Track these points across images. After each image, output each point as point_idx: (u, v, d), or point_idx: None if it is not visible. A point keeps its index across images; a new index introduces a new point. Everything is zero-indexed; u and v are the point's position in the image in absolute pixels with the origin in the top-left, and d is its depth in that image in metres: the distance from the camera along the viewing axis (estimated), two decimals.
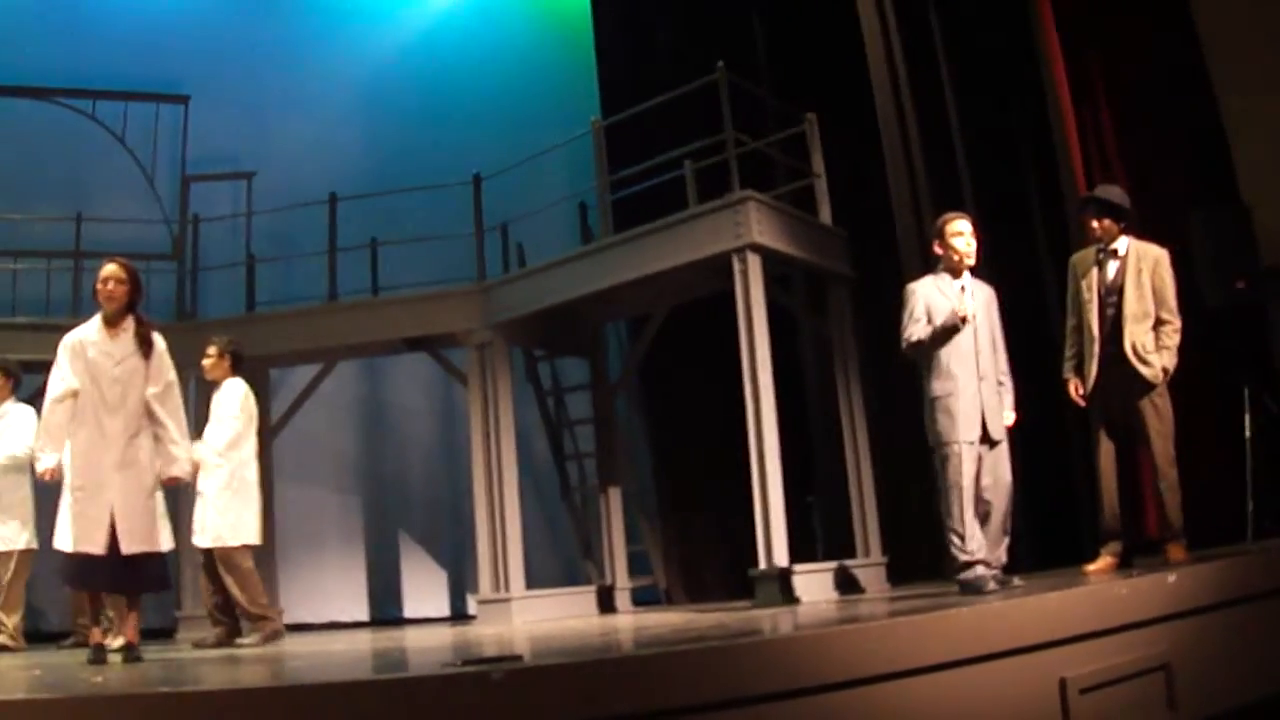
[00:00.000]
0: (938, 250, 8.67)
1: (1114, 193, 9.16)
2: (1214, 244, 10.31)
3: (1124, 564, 8.74)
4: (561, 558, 16.06)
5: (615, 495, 14.32)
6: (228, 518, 10.70)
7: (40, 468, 8.40)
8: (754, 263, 11.36)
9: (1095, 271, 9.05)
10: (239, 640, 10.65)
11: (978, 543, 8.23)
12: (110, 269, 8.56)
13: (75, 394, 8.35)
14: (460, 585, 16.63)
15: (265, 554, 13.44)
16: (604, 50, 16.88)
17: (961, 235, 8.55)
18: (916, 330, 8.44)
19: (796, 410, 13.35)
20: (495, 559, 13.16)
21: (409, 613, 16.62)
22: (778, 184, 12.89)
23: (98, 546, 8.16)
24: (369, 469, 17.21)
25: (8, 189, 15.08)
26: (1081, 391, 9.09)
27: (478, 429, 13.53)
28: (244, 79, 16.82)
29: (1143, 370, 8.71)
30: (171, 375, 8.71)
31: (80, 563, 8.23)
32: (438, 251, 14.42)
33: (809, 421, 14.09)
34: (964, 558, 8.18)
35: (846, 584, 11.60)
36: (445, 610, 16.76)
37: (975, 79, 12.46)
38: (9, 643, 11.05)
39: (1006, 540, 8.47)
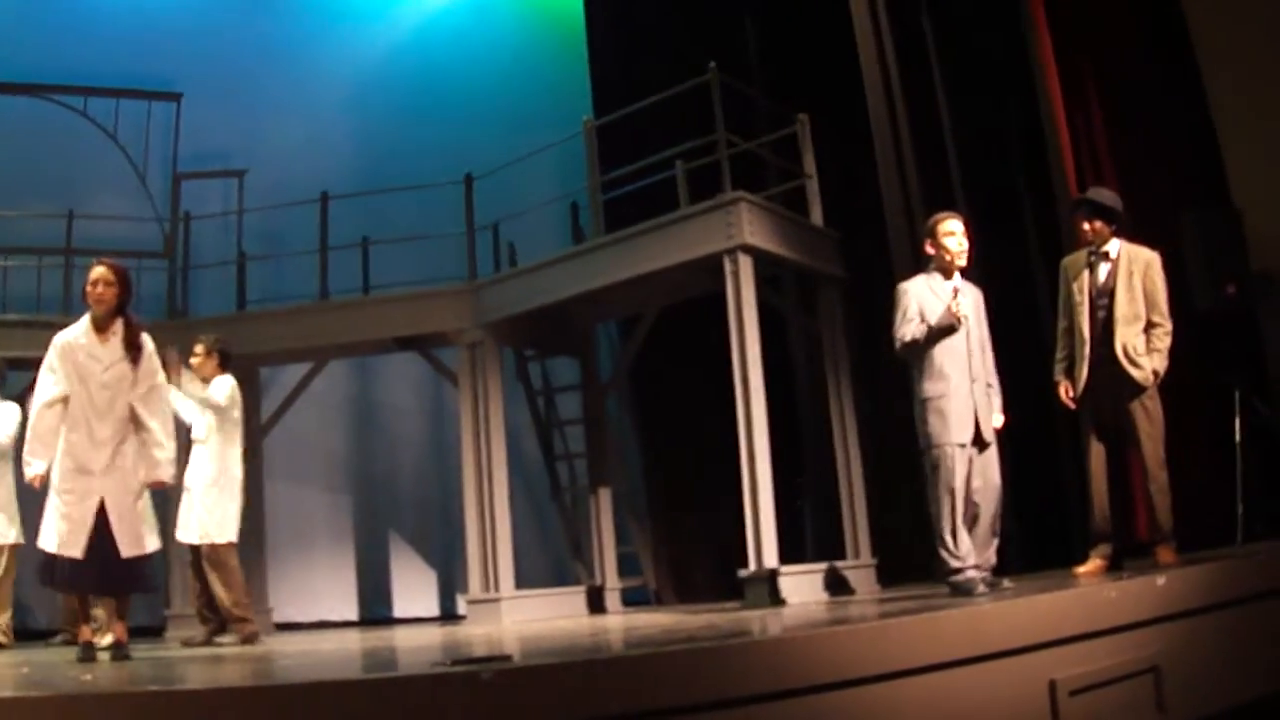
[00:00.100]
0: (929, 250, 8.67)
1: (1106, 195, 9.18)
2: (1205, 247, 10.31)
3: (1114, 566, 8.75)
4: (551, 558, 16.06)
5: (605, 496, 14.33)
6: (215, 515, 10.72)
7: (29, 474, 8.36)
8: (745, 263, 11.36)
9: (1086, 274, 9.07)
10: (218, 639, 10.64)
11: (967, 545, 8.24)
12: (99, 271, 8.53)
13: (66, 399, 8.33)
14: (450, 585, 16.61)
15: (255, 553, 13.49)
16: (596, 50, 16.88)
17: (954, 235, 8.55)
18: (910, 330, 8.43)
19: (787, 411, 13.34)
20: (485, 559, 13.16)
21: (398, 612, 16.61)
22: (769, 185, 12.89)
23: (78, 551, 8.17)
24: (359, 468, 17.20)
25: None
26: (1072, 394, 9.11)
27: (468, 429, 13.53)
28: (236, 77, 16.79)
29: (1133, 373, 8.72)
30: (159, 378, 8.72)
31: (60, 565, 8.24)
32: (429, 251, 14.43)
33: (800, 422, 14.07)
34: (954, 563, 8.18)
35: (836, 585, 11.61)
36: (435, 610, 16.75)
37: (967, 80, 12.47)
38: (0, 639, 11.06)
39: (996, 542, 8.47)
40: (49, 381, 8.36)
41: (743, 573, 11.02)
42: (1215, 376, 10.30)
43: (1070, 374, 9.13)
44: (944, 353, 8.37)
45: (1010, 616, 6.00)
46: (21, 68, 15.72)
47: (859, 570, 12.02)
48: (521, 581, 13.45)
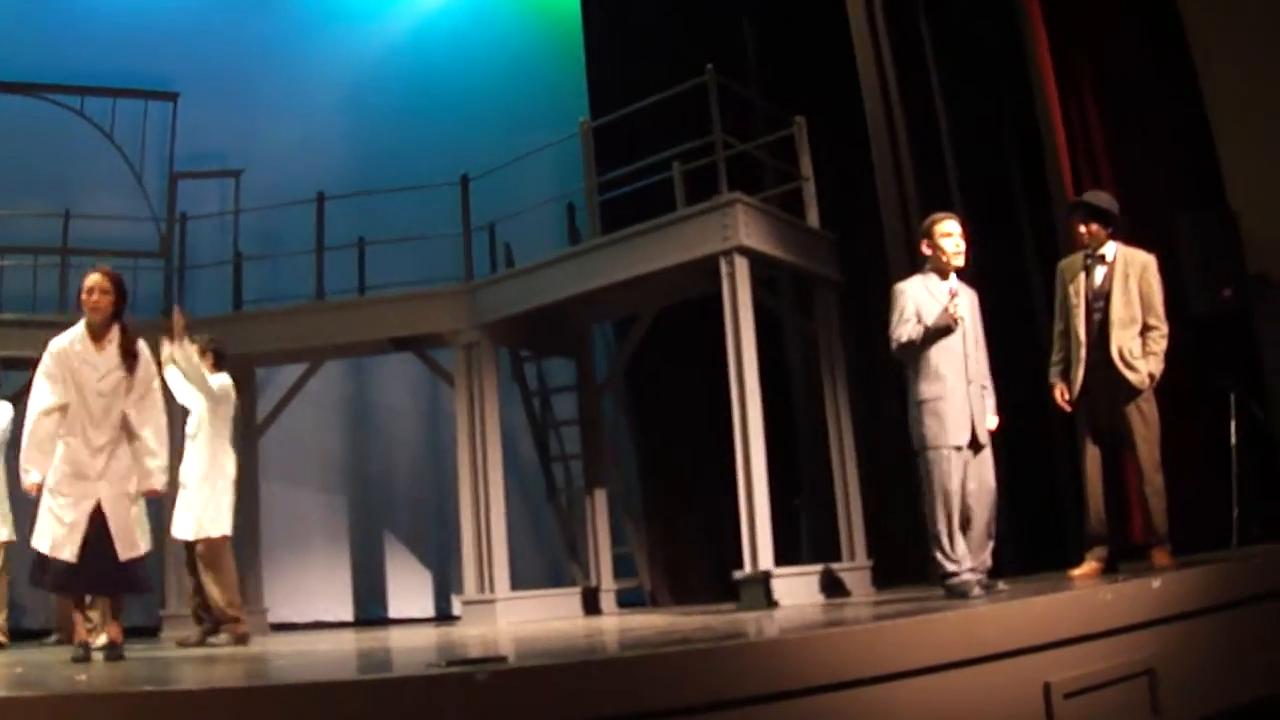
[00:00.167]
0: (926, 250, 8.65)
1: (1102, 198, 9.17)
2: (1201, 250, 10.32)
3: (1109, 569, 8.75)
4: (546, 559, 16.07)
5: (601, 497, 14.33)
6: (209, 509, 10.73)
7: (26, 481, 8.35)
8: (741, 265, 11.36)
9: (1083, 276, 9.07)
10: (211, 640, 10.64)
11: (963, 548, 8.23)
12: (94, 279, 8.51)
13: (63, 408, 8.32)
14: (445, 586, 16.62)
15: (250, 553, 13.49)
16: (593, 51, 16.87)
17: (950, 236, 8.53)
18: (906, 330, 8.40)
19: (783, 413, 13.35)
20: (480, 560, 13.16)
21: (393, 613, 16.61)
22: (766, 186, 12.89)
23: (71, 554, 8.18)
24: (355, 469, 17.20)
25: None
26: (1068, 396, 9.10)
27: (464, 429, 13.53)
28: (233, 77, 16.79)
29: (1129, 376, 8.72)
30: (154, 385, 8.70)
31: (52, 566, 8.25)
32: (425, 251, 14.44)
33: (795, 424, 14.07)
34: (950, 566, 8.16)
35: (832, 587, 11.61)
36: (430, 611, 16.75)
37: (964, 82, 12.47)
38: None
39: (991, 545, 8.45)
40: (45, 389, 8.34)
41: (738, 574, 11.02)
42: (1211, 379, 10.31)
43: (1066, 377, 9.12)
44: (940, 354, 8.35)
45: (1005, 619, 6.00)
46: (18, 67, 15.74)
47: (854, 572, 12.02)
48: (517, 583, 13.46)
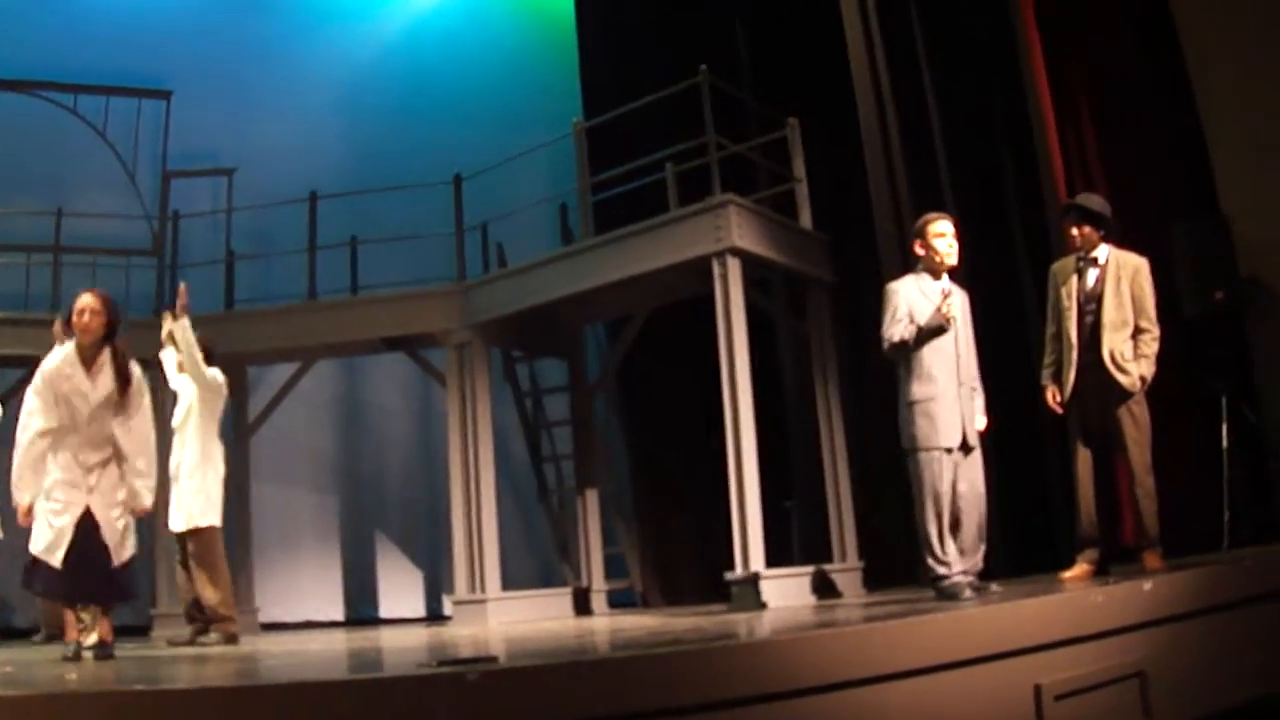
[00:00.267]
0: (919, 250, 8.65)
1: (1095, 201, 9.18)
2: (1193, 253, 10.35)
3: (1100, 571, 8.75)
4: (538, 559, 16.08)
5: (592, 497, 14.33)
6: (199, 499, 10.70)
7: (18, 502, 8.34)
8: (734, 266, 11.37)
9: (1075, 279, 9.07)
10: (201, 639, 10.62)
11: (954, 550, 8.23)
12: (86, 299, 8.47)
13: (54, 430, 8.31)
14: (436, 586, 16.62)
15: (241, 552, 13.47)
16: (587, 51, 16.88)
17: (943, 237, 8.54)
18: (899, 330, 8.39)
19: (775, 414, 13.33)
20: (471, 560, 13.17)
21: (384, 613, 16.62)
22: (759, 188, 12.92)
23: (57, 559, 8.20)
24: (346, 468, 17.20)
25: None
26: (1059, 399, 9.10)
27: (455, 429, 13.53)
28: (226, 75, 16.80)
29: (1120, 378, 8.72)
30: (144, 404, 8.66)
31: (39, 570, 8.28)
32: (417, 251, 14.43)
33: (787, 425, 14.07)
34: (940, 569, 8.17)
35: (823, 588, 11.61)
36: (421, 611, 16.76)
37: (957, 84, 12.46)
38: None
39: (983, 547, 8.45)
40: (36, 412, 8.31)
41: (729, 575, 11.02)
42: (1203, 382, 10.32)
43: (1058, 379, 9.12)
44: (932, 355, 8.35)
45: (996, 621, 6.00)
46: (11, 64, 15.72)
47: (845, 573, 12.02)
48: (508, 583, 13.45)
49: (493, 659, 5.33)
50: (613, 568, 14.69)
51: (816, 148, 12.94)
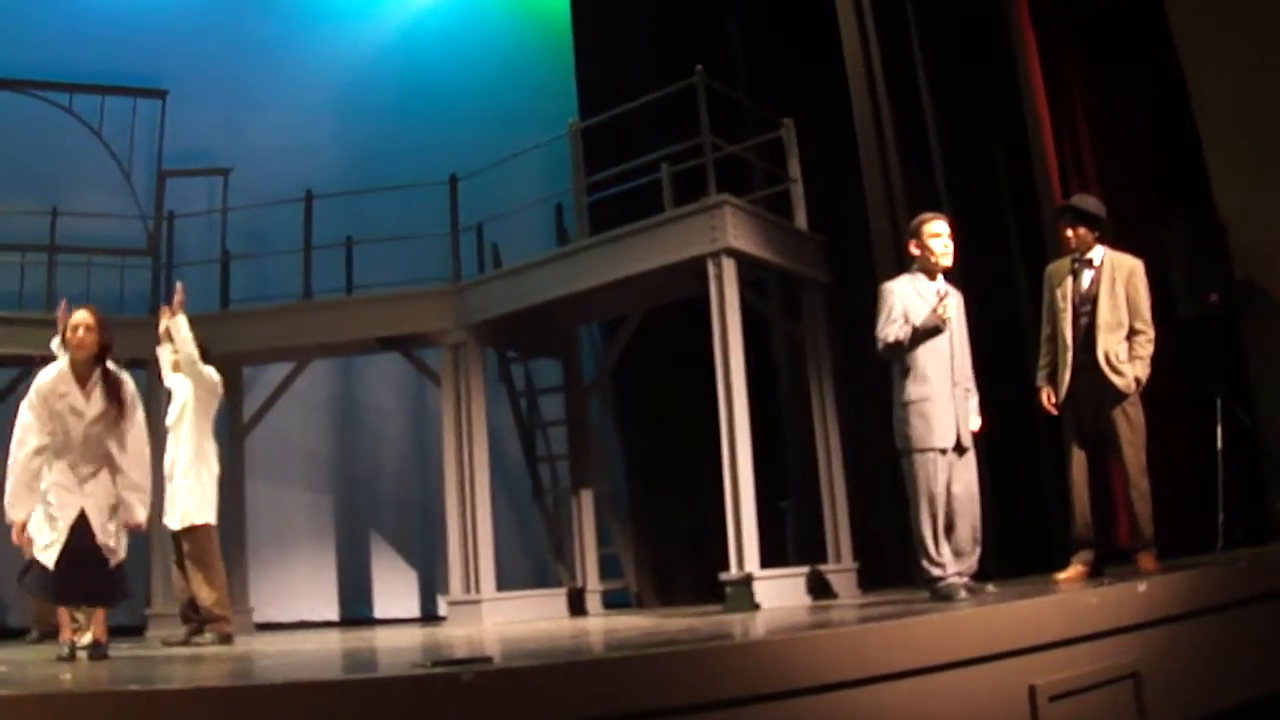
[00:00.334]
0: (914, 250, 8.64)
1: (1090, 202, 9.17)
2: (1188, 255, 10.35)
3: (1095, 573, 8.74)
4: (532, 560, 16.07)
5: (587, 497, 14.35)
6: (194, 496, 10.70)
7: (11, 518, 8.35)
8: (729, 267, 11.38)
9: (1070, 281, 9.06)
10: (196, 640, 10.62)
11: (947, 551, 8.23)
12: (81, 315, 8.49)
13: (48, 447, 8.32)
14: (431, 586, 16.62)
15: (236, 552, 13.46)
16: (583, 52, 16.88)
17: (939, 237, 8.53)
18: (894, 330, 8.38)
19: (770, 414, 13.34)
20: (466, 560, 13.17)
21: (379, 613, 16.61)
22: (754, 188, 12.91)
23: (50, 561, 8.24)
24: (341, 468, 17.20)
25: None
26: (1054, 400, 9.10)
27: (450, 429, 13.53)
28: (222, 75, 16.79)
29: (1115, 380, 8.71)
30: (138, 418, 8.67)
31: (34, 569, 8.32)
32: (413, 251, 14.44)
33: (782, 426, 14.06)
34: (935, 570, 8.17)
35: (818, 589, 11.62)
36: (415, 611, 16.76)
37: (952, 86, 12.46)
38: None
39: (978, 549, 8.44)
40: (31, 429, 8.32)
41: (724, 576, 11.02)
42: (1197, 384, 10.32)
43: (1053, 380, 9.11)
44: (927, 355, 8.35)
45: (990, 622, 6.00)
46: (6, 63, 15.72)
47: (840, 574, 12.03)
48: (503, 583, 13.47)
49: (487, 659, 5.33)
50: (607, 568, 14.70)
51: (812, 148, 12.95)
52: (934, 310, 8.27)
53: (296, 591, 16.13)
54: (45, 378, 8.38)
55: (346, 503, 17.07)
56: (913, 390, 8.36)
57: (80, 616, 9.27)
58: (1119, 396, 8.71)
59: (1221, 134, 10.89)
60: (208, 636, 10.55)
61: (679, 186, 12.03)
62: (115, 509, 8.45)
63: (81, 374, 8.40)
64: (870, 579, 12.22)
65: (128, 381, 8.61)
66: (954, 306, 8.44)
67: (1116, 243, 9.10)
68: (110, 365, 8.54)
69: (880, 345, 8.49)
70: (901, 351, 8.41)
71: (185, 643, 10.59)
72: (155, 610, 13.31)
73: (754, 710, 4.90)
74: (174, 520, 10.74)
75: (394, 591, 16.84)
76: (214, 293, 14.68)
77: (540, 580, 15.18)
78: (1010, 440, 10.78)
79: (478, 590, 13.04)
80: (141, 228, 15.80)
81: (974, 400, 8.63)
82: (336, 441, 17.28)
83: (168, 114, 16.57)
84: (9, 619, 13.48)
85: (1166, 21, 11.30)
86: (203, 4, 17.39)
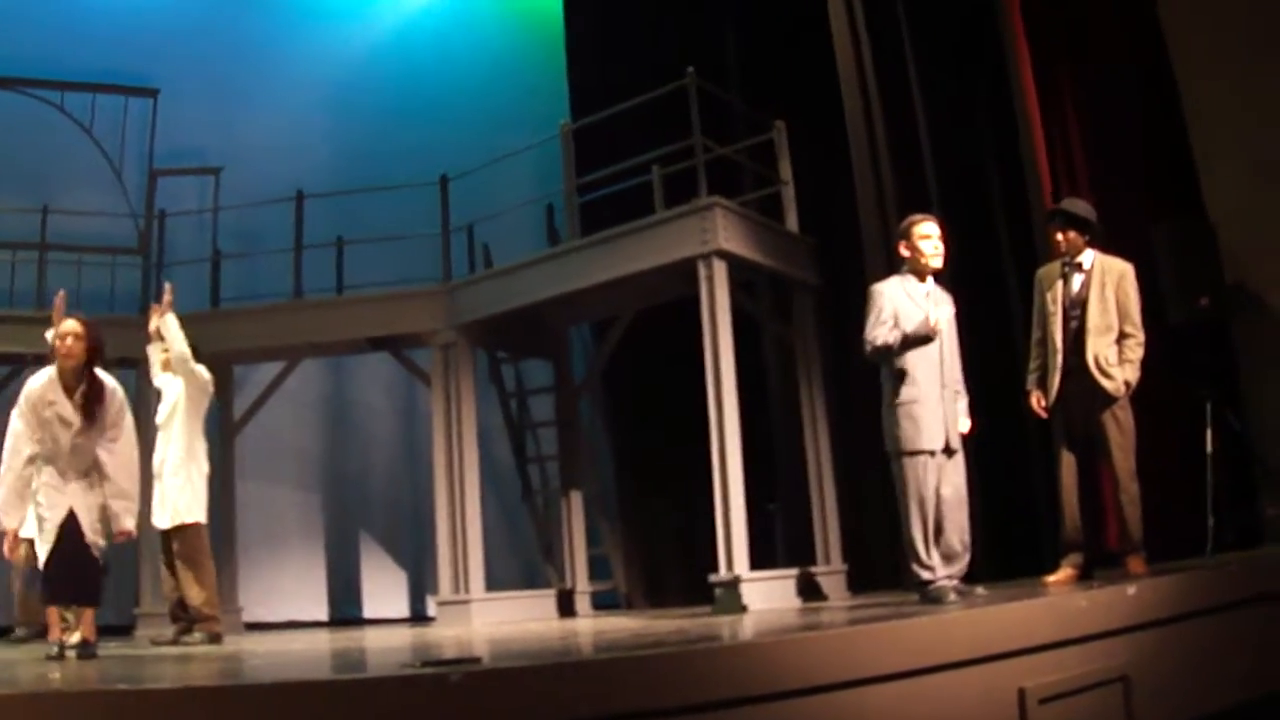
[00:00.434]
0: (904, 252, 8.60)
1: (1080, 206, 9.18)
2: (1179, 259, 10.33)
3: (1084, 576, 8.76)
4: (522, 560, 16.07)
5: (576, 498, 14.35)
6: (184, 495, 10.67)
7: (3, 525, 8.37)
8: (720, 268, 11.38)
9: (1060, 284, 9.07)
10: (185, 639, 10.60)
11: (937, 553, 8.22)
12: (70, 324, 8.45)
13: (38, 455, 8.32)
14: (420, 586, 16.63)
15: (225, 551, 13.45)
16: (575, 53, 16.88)
17: (929, 238, 8.49)
18: (883, 334, 8.34)
19: (759, 416, 13.34)
20: (455, 560, 13.17)
21: (368, 613, 16.62)
22: (745, 190, 12.94)
23: (39, 561, 8.28)
24: (331, 468, 17.20)
25: None
26: (1044, 403, 9.10)
27: (440, 430, 13.54)
28: (214, 74, 16.77)
29: (1104, 383, 8.72)
30: (127, 427, 8.65)
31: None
32: (403, 251, 14.42)
33: (772, 427, 14.07)
34: (925, 574, 8.16)
35: (807, 591, 11.63)
36: (405, 611, 16.76)
37: (944, 88, 12.46)
38: None
39: (968, 552, 8.42)
40: (22, 437, 8.33)
41: (713, 578, 11.03)
42: (1188, 388, 10.32)
43: (1043, 384, 9.12)
44: (917, 357, 8.31)
45: (980, 625, 6.01)
46: None
47: (830, 576, 12.04)
48: (492, 584, 13.47)
49: (476, 660, 5.34)
50: (597, 569, 14.71)
51: (803, 151, 12.96)
52: (925, 320, 8.25)
53: (286, 591, 16.13)
54: (34, 385, 8.37)
55: (336, 502, 17.07)
56: (903, 392, 8.33)
57: (70, 616, 9.26)
58: (1108, 400, 8.72)
59: (1213, 137, 10.89)
60: (196, 636, 10.53)
61: (670, 188, 12.03)
62: (104, 509, 8.45)
63: (69, 383, 8.37)
64: (860, 581, 12.22)
65: (117, 390, 8.59)
66: (945, 318, 8.41)
67: (1107, 246, 9.11)
68: (100, 373, 8.52)
69: (868, 348, 8.45)
70: (890, 356, 8.39)
71: (174, 642, 10.57)
72: (144, 610, 13.31)
73: (742, 712, 4.90)
74: (164, 519, 10.72)
75: (383, 591, 16.84)
76: (205, 292, 14.66)
77: (529, 581, 15.18)
78: (1000, 443, 10.78)
79: (467, 591, 13.05)
80: (132, 226, 15.76)
81: (963, 402, 8.61)
82: (327, 441, 17.29)
83: (159, 113, 16.54)
84: None
85: (1158, 25, 11.30)
86: (195, 3, 17.37)
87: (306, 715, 4.52)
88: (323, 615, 16.41)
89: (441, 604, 13.33)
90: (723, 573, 10.98)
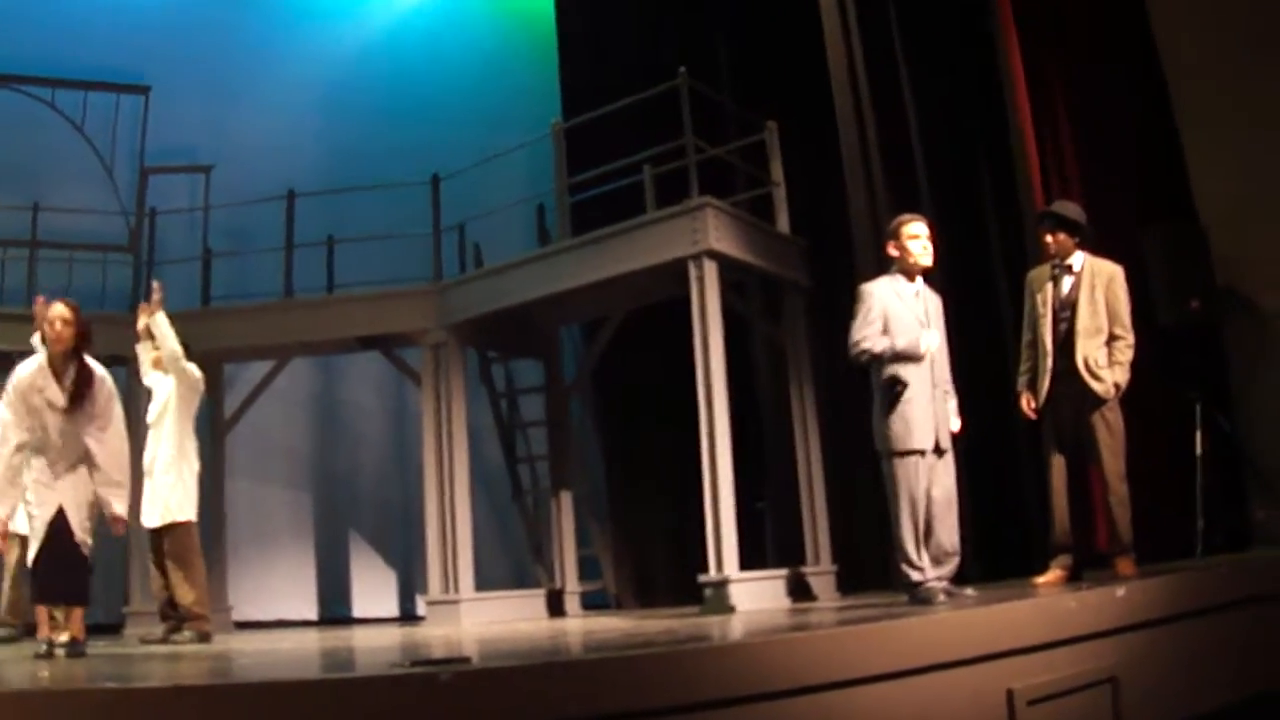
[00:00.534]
0: (892, 252, 8.56)
1: (1070, 208, 9.19)
2: (1169, 262, 10.36)
3: (1074, 577, 8.77)
4: (512, 560, 16.06)
5: (566, 498, 14.35)
6: (175, 493, 10.67)
7: None
8: (710, 269, 11.38)
9: (1050, 286, 9.08)
10: (174, 638, 10.58)
11: (928, 555, 8.21)
12: (58, 309, 8.44)
13: (27, 444, 8.31)
14: (410, 586, 16.62)
15: (215, 550, 13.42)
16: (567, 53, 16.86)
17: (917, 238, 8.46)
18: (872, 339, 8.28)
19: (750, 417, 13.34)
20: (445, 560, 13.16)
21: (358, 612, 16.60)
22: (737, 191, 12.93)
23: (28, 559, 8.29)
24: (321, 467, 17.18)
25: None
26: (1034, 405, 9.10)
27: (430, 429, 13.53)
28: (206, 72, 16.73)
29: (1094, 385, 8.73)
30: (117, 415, 8.63)
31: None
32: (394, 250, 14.42)
33: (762, 428, 14.07)
34: (915, 575, 8.14)
35: (797, 591, 11.63)
36: (394, 610, 16.75)
37: (936, 92, 12.46)
38: None
39: (957, 553, 8.40)
40: (10, 426, 8.31)
41: (703, 578, 11.02)
42: (1178, 391, 10.34)
43: (1033, 386, 9.12)
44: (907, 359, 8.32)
45: (969, 626, 6.01)
46: None
47: (820, 576, 12.04)
48: (481, 584, 13.45)
49: (465, 660, 5.33)
50: (587, 569, 14.72)
51: (795, 151, 12.96)
52: (917, 345, 8.23)
53: (275, 590, 16.11)
54: (23, 372, 8.36)
55: (326, 501, 17.06)
56: (891, 389, 8.33)
57: (59, 614, 9.25)
58: (1098, 402, 8.73)
59: (1203, 140, 10.92)
60: (186, 634, 10.52)
61: (661, 188, 12.02)
62: (93, 505, 8.44)
63: (59, 368, 8.37)
64: (849, 582, 12.22)
65: (105, 378, 8.58)
66: (936, 345, 8.39)
67: (1097, 248, 9.12)
68: (89, 361, 8.52)
69: (854, 349, 8.40)
70: (878, 365, 8.37)
71: (163, 641, 10.56)
72: (133, 608, 13.30)
73: (731, 713, 4.90)
74: (154, 518, 10.71)
75: (373, 591, 16.83)
76: (195, 290, 14.66)
77: (519, 581, 15.17)
78: (990, 445, 10.79)
79: (456, 590, 13.03)
80: (123, 224, 15.75)
81: (953, 402, 8.61)
82: (316, 440, 17.27)
83: (151, 110, 16.51)
84: None
85: (1150, 29, 11.32)
86: (187, 1, 17.34)
87: (295, 715, 4.51)
88: (312, 614, 16.40)
89: (431, 603, 13.32)
90: (711, 573, 10.98)
